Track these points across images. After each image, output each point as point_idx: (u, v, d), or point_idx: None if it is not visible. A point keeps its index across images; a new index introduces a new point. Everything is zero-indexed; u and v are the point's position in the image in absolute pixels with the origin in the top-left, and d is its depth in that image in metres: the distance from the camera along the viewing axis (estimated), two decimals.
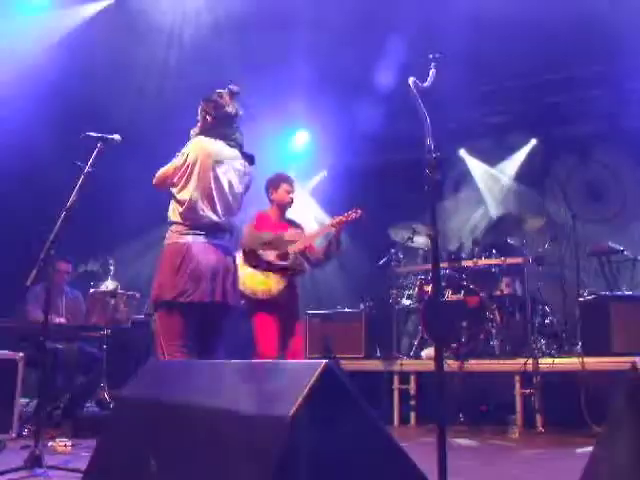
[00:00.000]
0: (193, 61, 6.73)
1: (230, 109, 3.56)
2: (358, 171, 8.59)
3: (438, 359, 2.27)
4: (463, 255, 6.26)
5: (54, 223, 3.44)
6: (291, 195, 4.64)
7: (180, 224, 3.33)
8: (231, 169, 3.46)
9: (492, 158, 8.21)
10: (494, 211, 7.91)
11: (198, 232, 3.31)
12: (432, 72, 2.76)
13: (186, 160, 3.37)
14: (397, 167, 8.12)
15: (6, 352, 4.66)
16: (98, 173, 3.59)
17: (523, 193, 7.90)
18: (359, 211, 4.44)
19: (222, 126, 3.49)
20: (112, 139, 3.70)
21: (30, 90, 6.24)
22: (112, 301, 5.65)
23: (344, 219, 4.44)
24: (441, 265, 6.08)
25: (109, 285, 5.75)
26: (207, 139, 3.42)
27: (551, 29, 6.10)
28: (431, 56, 2.81)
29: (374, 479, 1.75)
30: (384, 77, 6.52)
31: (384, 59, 6.36)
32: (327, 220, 9.12)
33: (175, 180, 3.39)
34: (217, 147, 3.43)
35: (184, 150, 3.42)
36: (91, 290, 5.84)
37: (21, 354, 4.66)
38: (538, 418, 5.03)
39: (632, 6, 5.78)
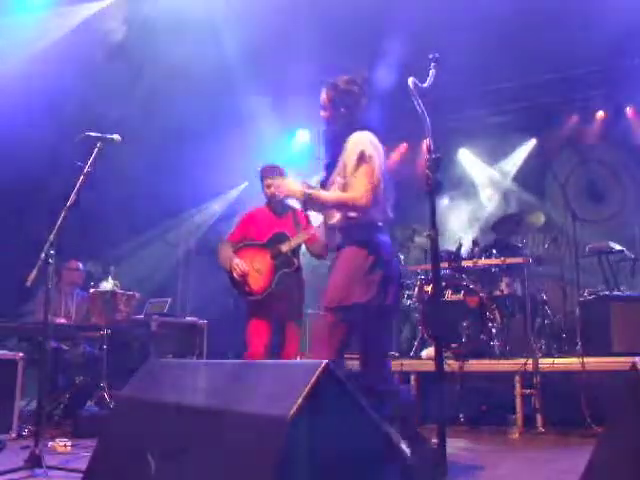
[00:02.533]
0: (193, 61, 6.73)
1: (364, 100, 3.18)
2: None
3: (438, 359, 2.26)
4: (463, 255, 6.25)
5: (54, 223, 3.45)
6: (271, 189, 4.48)
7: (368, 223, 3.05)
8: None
9: (492, 158, 8.21)
10: (494, 211, 7.91)
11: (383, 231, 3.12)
12: (432, 72, 2.77)
13: (374, 160, 2.99)
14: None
15: (6, 352, 4.67)
16: (98, 173, 3.59)
17: (523, 193, 7.90)
18: None
19: (357, 117, 3.15)
20: (112, 139, 3.71)
21: (30, 89, 6.24)
22: (112, 301, 5.65)
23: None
24: (441, 265, 6.08)
25: (109, 285, 5.75)
26: (370, 134, 3.08)
27: (551, 29, 6.11)
28: (430, 56, 2.81)
29: (373, 479, 1.75)
30: (384, 77, 6.52)
31: (384, 59, 6.36)
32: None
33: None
34: (376, 141, 3.11)
35: (359, 150, 2.98)
36: (91, 290, 5.85)
37: (21, 354, 4.66)
38: (538, 418, 5.02)
39: (632, 6, 5.78)
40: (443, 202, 7.90)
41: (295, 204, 4.38)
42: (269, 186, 4.50)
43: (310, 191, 3.04)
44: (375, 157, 2.98)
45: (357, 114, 3.09)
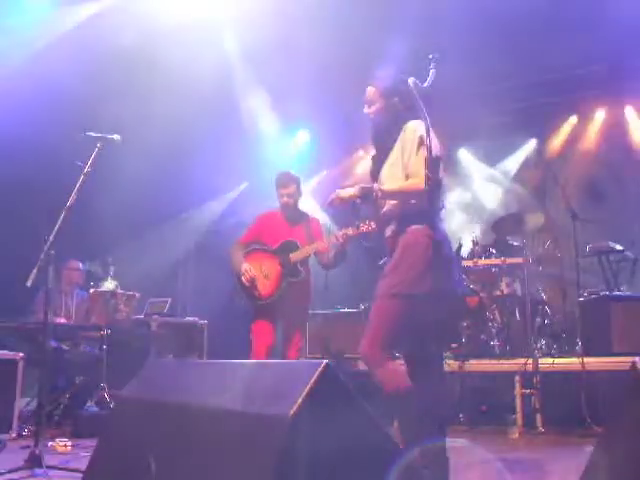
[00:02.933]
0: (193, 61, 6.72)
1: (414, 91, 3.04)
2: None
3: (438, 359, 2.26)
4: (463, 255, 6.25)
5: (54, 223, 3.45)
6: (284, 198, 4.58)
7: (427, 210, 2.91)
8: None
9: (492, 158, 8.21)
10: (494, 211, 7.91)
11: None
12: (432, 72, 2.76)
13: (433, 146, 2.86)
14: None
15: (6, 352, 4.67)
16: (99, 173, 3.59)
17: (523, 193, 7.90)
18: (372, 224, 4.10)
19: (408, 106, 3.03)
20: (112, 139, 3.71)
21: (31, 89, 6.24)
22: (112, 301, 5.65)
23: (353, 233, 4.24)
24: None
25: (109, 285, 5.75)
26: (425, 122, 2.95)
27: (551, 29, 6.11)
28: (431, 56, 2.81)
29: (373, 478, 1.75)
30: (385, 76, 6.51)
31: (385, 58, 6.36)
32: (324, 216, 9.22)
33: None
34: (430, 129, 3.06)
35: (417, 135, 2.90)
36: (91, 290, 5.85)
37: (21, 354, 4.66)
38: (538, 418, 5.02)
39: (632, 7, 5.78)
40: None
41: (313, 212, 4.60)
42: (282, 195, 4.58)
43: (369, 185, 3.02)
44: (434, 143, 2.89)
45: (409, 104, 2.99)
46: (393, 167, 3.00)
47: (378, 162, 3.10)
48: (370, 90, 3.13)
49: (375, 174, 3.09)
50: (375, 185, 2.98)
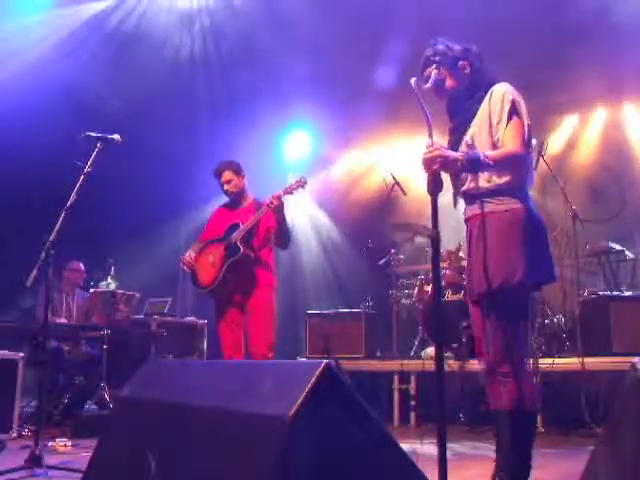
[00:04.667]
0: (194, 61, 6.73)
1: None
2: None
3: (438, 359, 2.26)
4: (463, 255, 6.25)
5: (54, 223, 3.45)
6: (224, 188, 4.47)
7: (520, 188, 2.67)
8: None
9: None
10: None
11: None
12: (434, 72, 2.74)
13: (525, 112, 2.65)
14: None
15: (6, 352, 4.66)
16: (98, 173, 3.58)
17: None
18: (303, 179, 4.15)
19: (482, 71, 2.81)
20: (112, 139, 3.71)
21: (34, 88, 6.25)
22: (112, 301, 5.65)
23: (284, 192, 4.12)
24: (441, 265, 6.08)
25: (109, 285, 5.75)
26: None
27: (550, 28, 6.11)
28: (432, 57, 2.79)
29: (374, 479, 1.75)
30: (384, 76, 6.52)
31: (385, 58, 6.36)
32: (323, 216, 9.23)
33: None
34: None
35: (510, 99, 2.62)
36: (91, 290, 5.85)
37: (21, 354, 4.66)
38: (538, 418, 5.02)
39: (632, 7, 5.79)
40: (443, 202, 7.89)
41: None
42: (222, 185, 4.48)
43: (472, 152, 2.56)
44: (525, 109, 2.63)
45: (480, 66, 2.77)
46: (479, 136, 2.64)
47: (458, 134, 2.74)
48: (431, 68, 2.76)
49: (455, 147, 2.71)
50: (481, 153, 2.53)
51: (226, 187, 4.47)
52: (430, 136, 2.44)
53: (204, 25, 7.02)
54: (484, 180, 2.63)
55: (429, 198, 2.37)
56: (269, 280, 4.42)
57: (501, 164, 2.54)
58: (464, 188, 2.72)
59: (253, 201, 4.50)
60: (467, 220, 2.75)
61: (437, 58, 2.75)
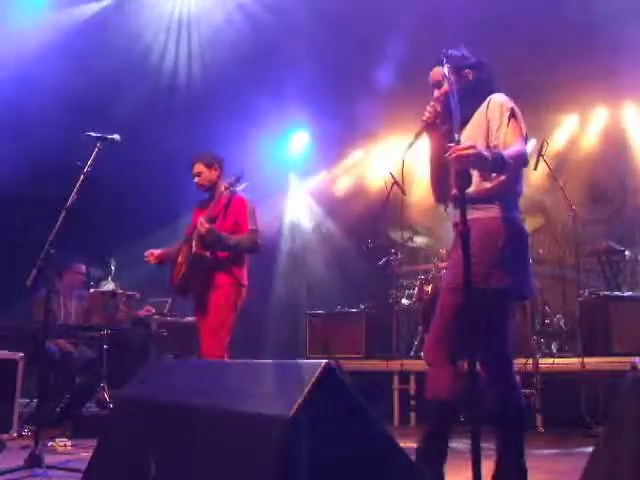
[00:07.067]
0: (194, 61, 6.73)
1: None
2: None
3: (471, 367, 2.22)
4: None
5: (54, 223, 3.45)
6: (194, 180, 4.24)
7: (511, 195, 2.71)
8: None
9: None
10: None
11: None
12: (446, 70, 2.68)
13: (522, 120, 2.72)
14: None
15: (6, 352, 4.66)
16: (98, 173, 3.58)
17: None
18: (235, 175, 4.05)
19: (483, 79, 2.90)
20: (112, 139, 3.71)
21: (33, 88, 6.25)
22: (112, 301, 5.65)
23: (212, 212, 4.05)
24: (441, 265, 6.08)
25: (109, 285, 5.75)
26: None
27: (550, 28, 6.11)
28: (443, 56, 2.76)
29: (374, 479, 1.75)
30: (384, 76, 6.52)
31: (384, 58, 6.36)
32: (328, 220, 9.24)
33: None
34: None
35: (508, 107, 2.70)
36: (91, 290, 5.85)
37: (21, 354, 4.66)
38: (538, 418, 5.02)
39: (632, 7, 5.79)
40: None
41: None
42: (193, 178, 4.24)
43: (497, 152, 2.52)
44: (522, 119, 2.71)
45: (483, 77, 2.84)
46: (471, 141, 2.54)
47: (449, 136, 2.60)
48: (436, 72, 2.82)
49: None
50: (503, 152, 2.51)
51: (195, 180, 4.22)
52: (455, 130, 2.38)
53: (204, 25, 7.03)
54: (473, 185, 2.54)
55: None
56: (226, 279, 4.10)
57: (514, 164, 2.53)
58: (453, 192, 2.66)
59: (224, 196, 4.17)
60: (455, 225, 2.72)
61: (450, 61, 2.74)
